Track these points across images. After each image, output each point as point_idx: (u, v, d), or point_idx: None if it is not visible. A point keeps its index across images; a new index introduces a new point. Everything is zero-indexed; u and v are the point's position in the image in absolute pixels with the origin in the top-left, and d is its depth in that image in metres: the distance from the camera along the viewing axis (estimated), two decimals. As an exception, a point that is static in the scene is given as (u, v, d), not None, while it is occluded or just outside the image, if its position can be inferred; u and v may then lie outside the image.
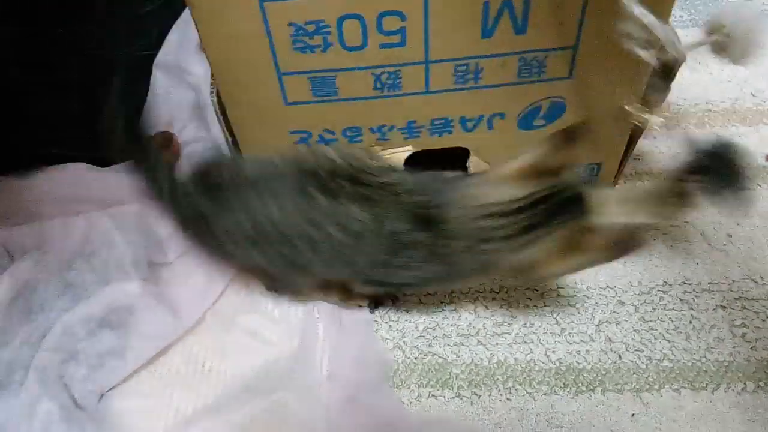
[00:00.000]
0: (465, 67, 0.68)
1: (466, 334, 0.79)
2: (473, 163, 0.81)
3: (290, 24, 0.63)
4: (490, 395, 0.74)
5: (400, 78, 0.69)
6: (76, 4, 0.90)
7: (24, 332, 0.78)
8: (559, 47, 0.67)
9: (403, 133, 0.76)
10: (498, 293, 0.81)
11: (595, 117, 0.76)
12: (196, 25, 0.64)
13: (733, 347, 0.75)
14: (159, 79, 0.94)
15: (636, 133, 0.78)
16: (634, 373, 0.74)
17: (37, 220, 0.87)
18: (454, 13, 0.63)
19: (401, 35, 0.64)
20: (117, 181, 0.87)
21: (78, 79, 0.92)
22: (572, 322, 0.79)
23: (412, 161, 0.79)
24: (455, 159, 0.81)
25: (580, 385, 0.74)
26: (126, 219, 0.88)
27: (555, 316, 0.79)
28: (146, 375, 0.78)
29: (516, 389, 0.74)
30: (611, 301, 0.80)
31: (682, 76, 0.98)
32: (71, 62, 0.91)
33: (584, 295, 0.80)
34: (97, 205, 0.88)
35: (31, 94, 0.93)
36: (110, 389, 0.76)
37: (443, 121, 0.75)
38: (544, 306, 0.80)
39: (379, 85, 0.69)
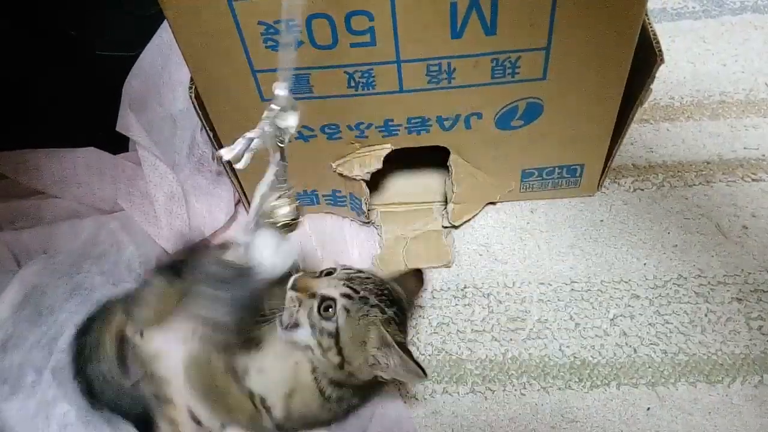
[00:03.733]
0: (437, 67, 0.68)
1: (479, 330, 0.79)
2: (454, 161, 0.80)
3: (260, 23, 0.63)
4: (504, 390, 0.74)
5: (374, 77, 0.68)
6: (87, 6, 0.91)
7: (34, 335, 0.78)
8: (531, 48, 0.66)
9: (380, 131, 0.76)
10: (511, 288, 0.81)
11: (572, 118, 0.75)
12: (170, 24, 0.64)
13: (750, 340, 0.75)
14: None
15: (619, 134, 0.78)
16: (649, 367, 0.74)
17: (44, 208, 0.88)
18: (421, 14, 0.62)
19: (370, 35, 0.64)
20: (131, 168, 0.88)
21: (89, 81, 0.93)
22: (586, 316, 0.79)
23: (392, 159, 0.79)
24: (436, 155, 0.81)
25: (594, 379, 0.74)
26: (133, 219, 0.88)
27: (569, 311, 0.79)
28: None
29: (530, 384, 0.74)
30: (626, 295, 0.80)
31: (695, 68, 0.98)
32: (82, 63, 0.92)
33: (598, 290, 0.80)
34: (108, 191, 0.89)
35: (41, 95, 0.94)
36: None
37: (420, 119, 0.75)
38: (558, 301, 0.80)
39: (353, 84, 0.69)
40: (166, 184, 0.87)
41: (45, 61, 0.92)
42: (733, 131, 0.92)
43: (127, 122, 0.87)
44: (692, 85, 0.97)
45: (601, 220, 0.86)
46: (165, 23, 0.83)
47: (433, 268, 0.84)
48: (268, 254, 0.59)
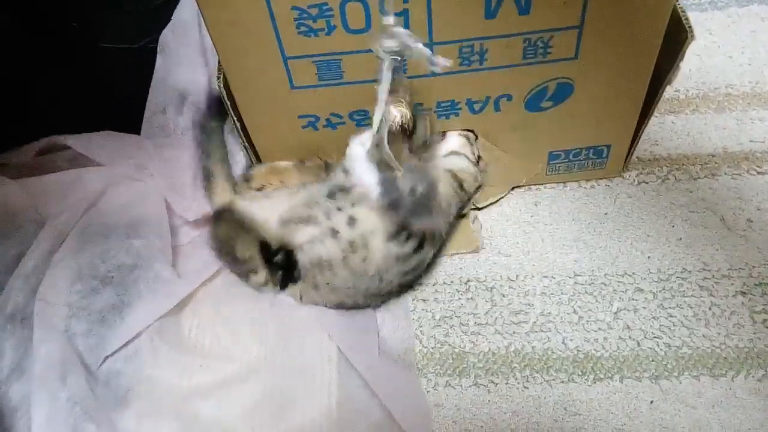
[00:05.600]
0: (470, 48, 0.68)
1: (483, 323, 0.79)
2: (481, 145, 0.80)
3: (293, 8, 0.63)
4: (507, 384, 0.74)
5: (405, 61, 0.68)
6: (89, -1, 0.91)
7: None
8: (564, 27, 0.66)
9: None
10: (515, 281, 0.81)
11: (602, 98, 0.75)
12: (201, 10, 0.64)
13: (754, 333, 0.75)
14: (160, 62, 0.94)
15: (646, 114, 0.78)
16: (652, 360, 0.74)
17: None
18: None
19: (404, 17, 0.64)
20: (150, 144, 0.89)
21: (90, 72, 0.93)
22: (590, 310, 0.78)
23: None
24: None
25: (598, 372, 0.74)
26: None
27: (573, 304, 0.79)
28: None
29: (533, 377, 0.74)
30: (629, 288, 0.79)
31: (701, 60, 0.98)
32: (84, 55, 0.92)
33: (602, 283, 0.80)
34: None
35: (43, 87, 0.94)
36: (113, 353, 0.77)
37: (450, 103, 0.75)
38: (562, 294, 0.80)
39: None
40: (192, 156, 0.88)
41: (48, 53, 0.92)
42: (738, 124, 0.91)
43: (159, 95, 0.88)
44: (698, 77, 0.97)
45: (606, 213, 0.86)
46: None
47: (462, 254, 0.84)
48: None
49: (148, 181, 0.90)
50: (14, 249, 0.85)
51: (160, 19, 0.83)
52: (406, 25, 0.65)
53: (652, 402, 0.72)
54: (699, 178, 0.87)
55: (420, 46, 0.58)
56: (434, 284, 0.82)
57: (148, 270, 0.83)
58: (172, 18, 0.82)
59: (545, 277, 0.81)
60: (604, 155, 0.84)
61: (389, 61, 0.60)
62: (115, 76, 0.88)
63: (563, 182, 0.89)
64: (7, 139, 0.95)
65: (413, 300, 0.81)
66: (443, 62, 0.59)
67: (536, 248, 0.84)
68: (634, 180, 0.88)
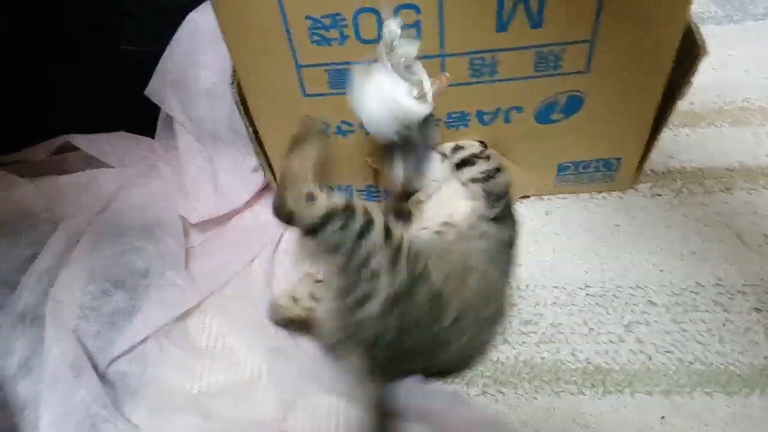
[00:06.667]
0: (481, 60, 0.68)
1: (492, 333, 0.78)
2: (491, 154, 0.80)
3: (307, 17, 0.64)
4: (515, 394, 0.73)
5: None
6: (110, 1, 0.92)
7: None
8: (576, 41, 0.66)
9: None
10: (525, 291, 0.81)
11: (612, 111, 0.75)
12: (216, 15, 0.65)
13: (769, 351, 0.73)
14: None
15: (658, 127, 0.77)
16: (664, 375, 0.73)
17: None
18: (468, 7, 0.63)
19: (416, 29, 0.65)
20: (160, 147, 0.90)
21: (106, 73, 0.94)
22: (601, 322, 0.77)
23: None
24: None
25: (608, 385, 0.73)
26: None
27: (583, 316, 0.78)
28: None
29: (542, 388, 0.73)
30: (641, 302, 0.78)
31: (717, 73, 0.97)
32: (100, 55, 0.93)
33: (613, 295, 0.79)
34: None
35: (60, 87, 0.96)
36: (119, 356, 0.78)
37: (459, 114, 0.75)
38: (572, 305, 0.79)
39: None
40: (197, 158, 0.89)
41: (67, 56, 0.94)
42: (755, 138, 0.91)
43: (163, 95, 0.89)
44: (714, 90, 0.96)
45: (618, 225, 0.85)
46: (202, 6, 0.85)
47: None
48: None
49: (160, 183, 0.90)
50: (28, 249, 0.86)
51: (179, 22, 0.85)
52: (418, 36, 0.65)
53: (663, 418, 0.71)
54: (714, 192, 0.86)
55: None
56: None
57: (161, 276, 0.83)
58: (186, 20, 0.83)
59: (556, 287, 0.81)
60: (614, 168, 0.84)
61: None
62: (134, 78, 0.88)
63: (574, 193, 0.88)
64: (23, 138, 0.96)
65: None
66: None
67: (547, 258, 0.83)
68: (647, 192, 0.87)
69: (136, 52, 0.92)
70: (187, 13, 0.86)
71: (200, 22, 0.85)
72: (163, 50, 0.87)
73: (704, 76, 0.96)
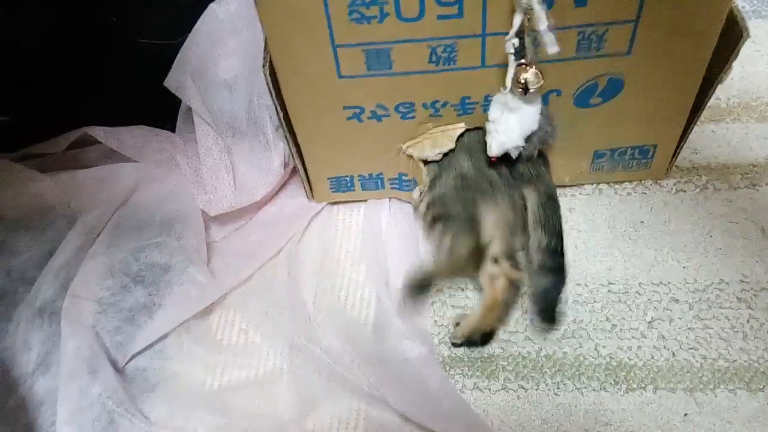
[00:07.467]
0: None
1: (513, 330, 0.78)
2: None
3: None
4: (537, 389, 0.73)
5: (456, 51, 0.67)
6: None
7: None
8: (620, 21, 0.65)
9: (456, 110, 0.75)
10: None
11: (652, 96, 0.74)
12: None
13: (794, 349, 0.73)
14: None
15: (693, 116, 0.76)
16: (687, 372, 0.72)
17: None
18: None
19: (459, 6, 0.63)
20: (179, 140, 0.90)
21: (128, 69, 0.94)
22: (623, 318, 0.77)
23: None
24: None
25: (630, 382, 0.72)
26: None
27: (605, 312, 0.77)
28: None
29: (564, 384, 0.73)
30: (664, 298, 0.78)
31: (744, 68, 0.96)
32: (119, 48, 0.93)
33: (636, 292, 0.78)
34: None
35: (81, 82, 0.96)
36: (139, 352, 0.78)
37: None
38: (595, 302, 0.78)
39: (434, 59, 0.68)
40: (216, 150, 0.88)
41: (85, 49, 0.94)
42: (781, 134, 0.89)
43: (183, 85, 0.88)
44: (740, 86, 0.95)
45: (641, 221, 0.84)
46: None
47: None
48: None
49: (179, 177, 0.90)
50: (46, 244, 0.86)
51: (198, 15, 0.84)
52: (461, 15, 0.64)
53: (686, 415, 0.70)
54: (739, 188, 0.85)
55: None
56: (464, 290, 0.81)
57: (182, 273, 0.83)
58: (206, 11, 0.83)
59: (578, 284, 0.80)
60: (649, 155, 0.82)
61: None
62: (154, 71, 0.88)
63: (604, 184, 0.88)
64: (41, 132, 0.96)
65: (442, 305, 0.81)
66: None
67: (569, 255, 0.82)
68: (671, 188, 0.86)
69: (155, 45, 0.92)
70: (206, 6, 0.85)
71: (220, 13, 0.85)
72: (182, 44, 0.87)
73: (731, 71, 0.95)
